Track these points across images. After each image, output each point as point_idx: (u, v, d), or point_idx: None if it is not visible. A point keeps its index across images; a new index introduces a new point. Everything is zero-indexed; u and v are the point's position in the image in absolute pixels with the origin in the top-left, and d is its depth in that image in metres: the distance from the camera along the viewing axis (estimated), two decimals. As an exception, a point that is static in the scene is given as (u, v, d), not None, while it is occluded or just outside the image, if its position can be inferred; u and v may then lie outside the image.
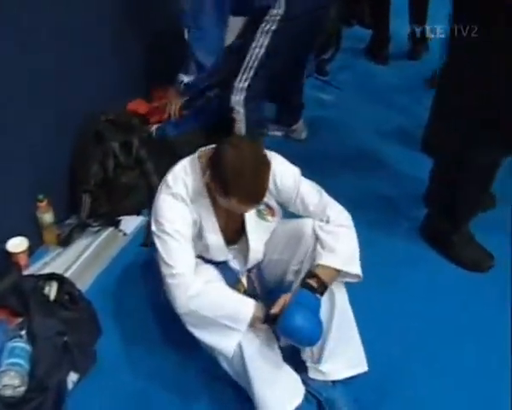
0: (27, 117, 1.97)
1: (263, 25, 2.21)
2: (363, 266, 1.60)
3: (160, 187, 1.62)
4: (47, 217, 2.11)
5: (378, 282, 1.90)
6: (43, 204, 2.08)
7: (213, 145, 1.58)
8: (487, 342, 1.85)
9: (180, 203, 1.56)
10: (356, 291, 1.63)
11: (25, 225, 2.07)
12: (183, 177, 1.58)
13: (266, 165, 1.48)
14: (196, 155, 1.61)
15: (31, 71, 1.94)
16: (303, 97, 2.92)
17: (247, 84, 2.36)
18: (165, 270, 1.52)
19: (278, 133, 2.92)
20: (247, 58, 2.31)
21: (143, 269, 2.11)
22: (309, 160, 2.64)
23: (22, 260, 1.98)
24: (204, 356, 1.68)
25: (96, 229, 2.24)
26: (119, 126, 2.30)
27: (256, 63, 2.33)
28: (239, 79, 2.34)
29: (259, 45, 2.31)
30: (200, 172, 1.56)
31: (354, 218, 1.66)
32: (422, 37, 3.67)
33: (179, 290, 1.48)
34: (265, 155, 1.50)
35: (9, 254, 1.96)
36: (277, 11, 2.18)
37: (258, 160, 1.47)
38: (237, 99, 2.36)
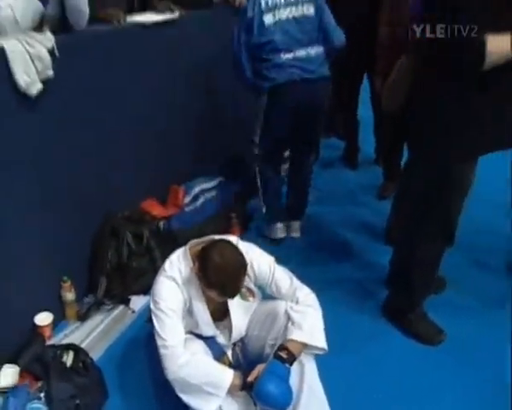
0: (58, 212, 2.08)
1: None
2: (332, 339, 1.64)
3: (159, 271, 1.70)
4: (69, 295, 2.18)
5: (343, 353, 1.91)
6: (67, 285, 2.16)
7: (202, 239, 1.70)
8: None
9: (174, 285, 1.63)
10: (323, 361, 1.66)
11: (50, 301, 2.13)
12: (177, 264, 1.66)
13: (243, 267, 1.59)
14: (188, 246, 1.71)
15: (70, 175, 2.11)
16: (306, 200, 2.95)
17: (257, 139, 2.59)
18: (159, 341, 1.58)
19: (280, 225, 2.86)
20: (257, 113, 2.55)
21: (147, 342, 2.09)
22: (288, 248, 2.78)
23: (47, 332, 2.04)
24: None
25: (110, 306, 2.29)
26: (133, 220, 2.39)
27: (261, 120, 2.55)
28: (255, 133, 2.59)
29: (260, 103, 2.51)
30: (191, 261, 1.65)
31: (325, 297, 1.72)
32: None
33: (170, 360, 1.55)
34: (243, 258, 1.59)
35: (36, 327, 2.01)
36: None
37: (237, 263, 1.57)
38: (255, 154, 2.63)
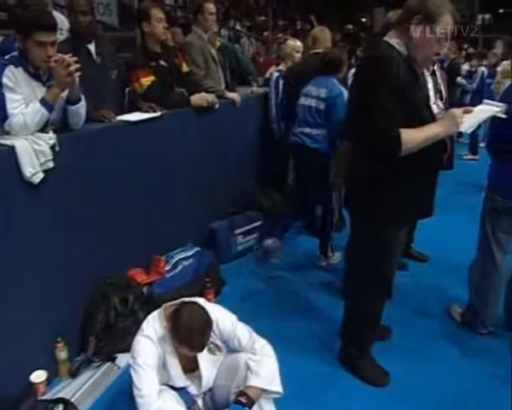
0: (54, 280, 2.19)
1: None
2: (291, 385, 1.75)
3: (138, 331, 1.82)
4: (62, 355, 2.24)
5: (302, 397, 2.00)
6: (60, 345, 2.23)
7: (175, 301, 1.83)
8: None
9: (150, 342, 1.74)
10: (283, 406, 1.77)
11: (45, 360, 2.18)
12: (153, 323, 1.79)
13: (209, 324, 1.72)
14: (162, 308, 1.84)
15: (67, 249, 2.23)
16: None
17: None
18: (135, 391, 1.67)
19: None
20: None
21: (131, 394, 2.04)
22: (252, 305, 2.86)
23: (41, 388, 2.08)
24: None
25: (98, 363, 2.33)
26: (120, 287, 2.48)
27: None
28: None
29: None
30: (165, 321, 1.77)
31: (285, 347, 1.85)
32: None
33: (144, 407, 1.63)
34: (209, 316, 1.72)
35: (32, 384, 2.06)
36: None
37: (203, 321, 1.70)
38: None
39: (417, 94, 1.91)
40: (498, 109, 2.07)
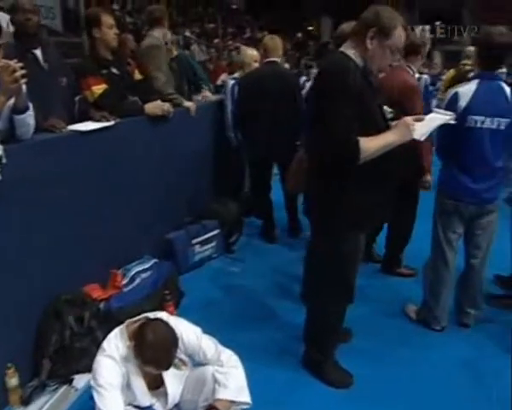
0: (3, 299, 2.05)
1: None
2: (256, 391, 1.73)
3: (98, 351, 1.73)
4: (13, 381, 2.09)
5: (266, 404, 1.94)
6: (11, 371, 2.08)
7: (137, 317, 1.77)
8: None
9: (112, 362, 1.67)
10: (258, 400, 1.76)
11: None
12: (115, 341, 1.71)
13: (175, 341, 1.67)
14: (124, 325, 1.77)
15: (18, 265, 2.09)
16: None
17: None
18: None
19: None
20: None
21: None
22: (215, 315, 2.82)
23: None
24: None
25: (54, 387, 2.21)
26: (75, 304, 2.35)
27: None
28: None
29: None
30: (127, 340, 1.71)
31: (249, 356, 1.83)
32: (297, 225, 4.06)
33: None
34: (174, 333, 1.68)
35: None
36: None
37: (169, 338, 1.66)
38: None
39: (372, 103, 1.97)
40: (448, 117, 2.17)
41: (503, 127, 2.42)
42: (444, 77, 6.42)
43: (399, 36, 1.89)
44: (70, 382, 2.25)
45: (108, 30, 2.81)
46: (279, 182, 3.91)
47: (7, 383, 2.09)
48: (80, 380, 2.27)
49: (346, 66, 1.88)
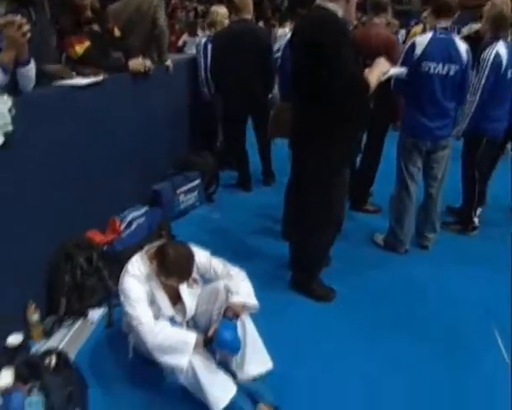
0: (17, 243, 2.16)
1: None
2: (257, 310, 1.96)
3: (122, 274, 1.92)
4: (34, 317, 2.23)
5: (267, 315, 2.09)
6: (32, 307, 2.23)
7: (153, 244, 1.97)
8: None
9: (137, 281, 1.87)
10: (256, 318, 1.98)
11: (19, 324, 2.17)
12: (137, 264, 1.91)
13: (191, 256, 1.89)
14: (144, 250, 1.98)
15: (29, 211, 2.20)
16: None
17: None
18: (134, 322, 1.79)
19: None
20: None
21: (109, 342, 2.28)
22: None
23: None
24: (166, 388, 1.94)
25: (70, 322, 2.38)
26: (82, 247, 2.51)
27: None
28: None
29: None
30: (148, 261, 1.92)
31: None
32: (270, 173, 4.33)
33: (147, 332, 1.76)
34: (191, 249, 1.90)
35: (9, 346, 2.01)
36: None
37: (188, 253, 1.88)
38: None
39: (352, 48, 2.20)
40: (403, 70, 2.58)
41: (452, 73, 2.75)
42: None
43: None
44: (85, 316, 2.44)
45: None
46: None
47: (29, 319, 2.24)
48: (94, 314, 2.46)
49: (335, 17, 2.11)
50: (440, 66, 2.73)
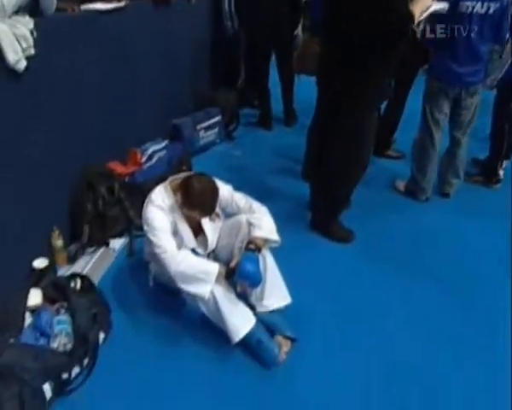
0: (38, 171, 2.15)
1: None
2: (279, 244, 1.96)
3: (146, 203, 1.90)
4: (59, 243, 2.27)
5: (286, 253, 2.09)
6: (56, 233, 2.27)
7: (178, 175, 1.95)
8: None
9: (161, 212, 1.85)
10: (276, 255, 1.99)
11: (44, 249, 2.21)
12: (160, 195, 1.90)
13: (216, 189, 1.87)
14: (167, 182, 1.96)
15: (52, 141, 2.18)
16: None
17: None
18: (158, 251, 1.79)
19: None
20: None
21: (130, 271, 2.33)
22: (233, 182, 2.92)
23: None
24: (186, 316, 1.98)
25: (93, 249, 2.43)
26: (104, 176, 2.50)
27: None
28: None
29: None
30: (171, 193, 1.90)
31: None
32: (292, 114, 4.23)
33: (170, 260, 1.76)
34: (215, 183, 1.87)
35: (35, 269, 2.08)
36: None
37: (212, 186, 1.86)
38: None
39: None
40: (443, 6, 2.33)
41: (491, 11, 2.56)
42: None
43: None
44: (107, 245, 2.48)
45: None
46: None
47: (53, 245, 2.28)
48: (116, 243, 2.50)
49: None
50: (479, 4, 2.53)
